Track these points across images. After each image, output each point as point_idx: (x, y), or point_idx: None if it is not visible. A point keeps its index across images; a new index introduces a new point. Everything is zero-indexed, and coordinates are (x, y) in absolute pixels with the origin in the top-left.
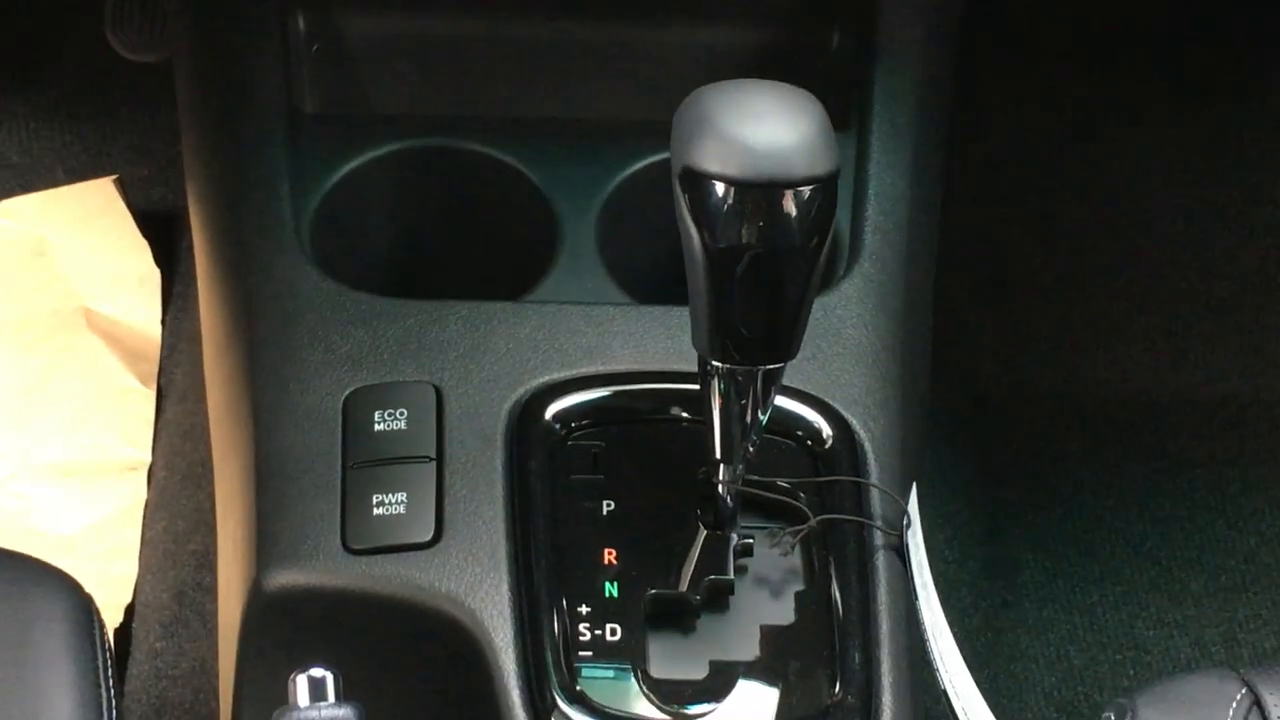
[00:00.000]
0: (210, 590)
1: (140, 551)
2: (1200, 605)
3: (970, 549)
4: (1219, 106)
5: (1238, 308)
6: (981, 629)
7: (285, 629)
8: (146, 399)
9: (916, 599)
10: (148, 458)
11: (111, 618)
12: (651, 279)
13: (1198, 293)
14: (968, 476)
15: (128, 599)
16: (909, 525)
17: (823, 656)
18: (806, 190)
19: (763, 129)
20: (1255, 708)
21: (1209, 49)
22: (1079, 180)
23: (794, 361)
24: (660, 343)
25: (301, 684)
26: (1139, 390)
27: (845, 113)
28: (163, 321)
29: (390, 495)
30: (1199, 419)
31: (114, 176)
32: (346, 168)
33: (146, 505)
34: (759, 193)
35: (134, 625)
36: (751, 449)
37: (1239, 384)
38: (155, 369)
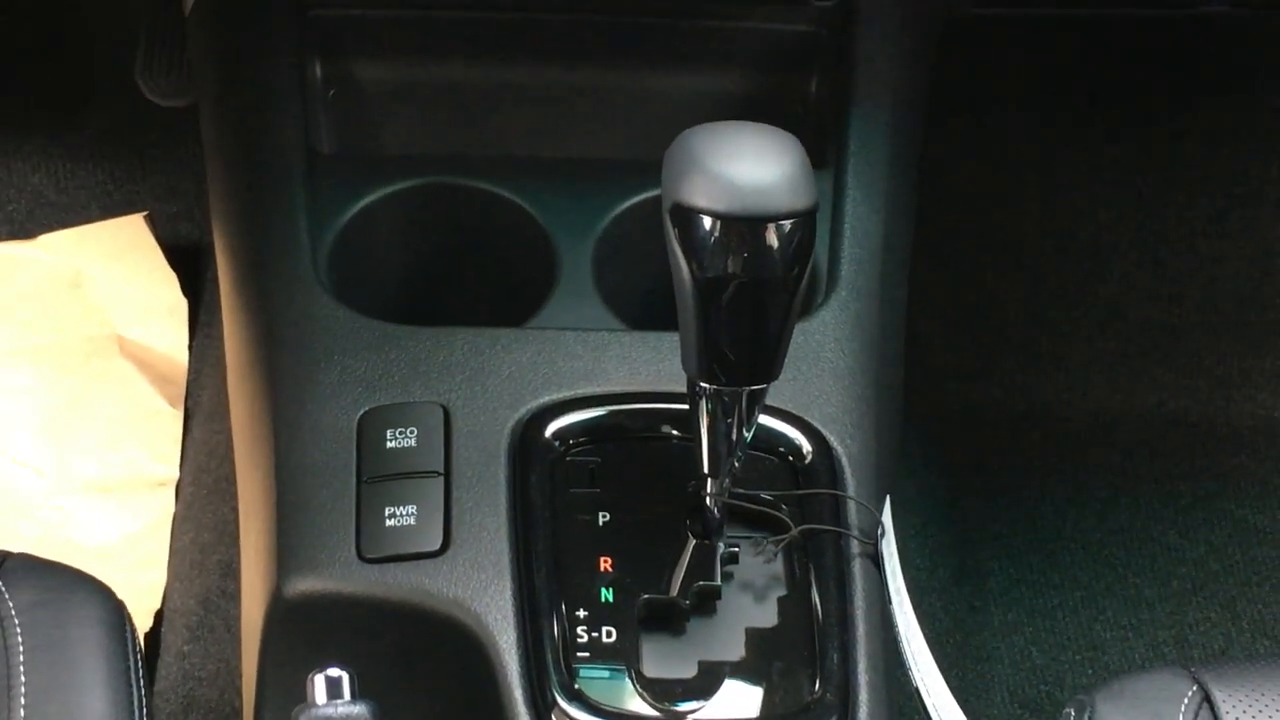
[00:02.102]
0: (234, 597)
1: (169, 561)
2: (1154, 609)
3: (940, 558)
4: (1175, 143)
5: (1188, 333)
6: (951, 631)
7: (304, 632)
8: (175, 419)
9: (891, 603)
10: (176, 474)
11: (142, 623)
12: (644, 306)
13: (1151, 319)
14: (938, 490)
15: (157, 605)
16: (883, 535)
17: (804, 657)
18: (788, 224)
19: (747, 167)
20: (1205, 703)
21: (1165, 84)
22: (1040, 214)
23: (777, 383)
24: (652, 366)
25: (319, 683)
26: (1096, 410)
27: (823, 152)
28: (190, 347)
29: (401, 508)
30: (1152, 436)
31: (144, 213)
32: (361, 204)
33: (175, 518)
34: (744, 226)
35: (163, 630)
36: (737, 464)
37: (1189, 404)
38: (183, 391)
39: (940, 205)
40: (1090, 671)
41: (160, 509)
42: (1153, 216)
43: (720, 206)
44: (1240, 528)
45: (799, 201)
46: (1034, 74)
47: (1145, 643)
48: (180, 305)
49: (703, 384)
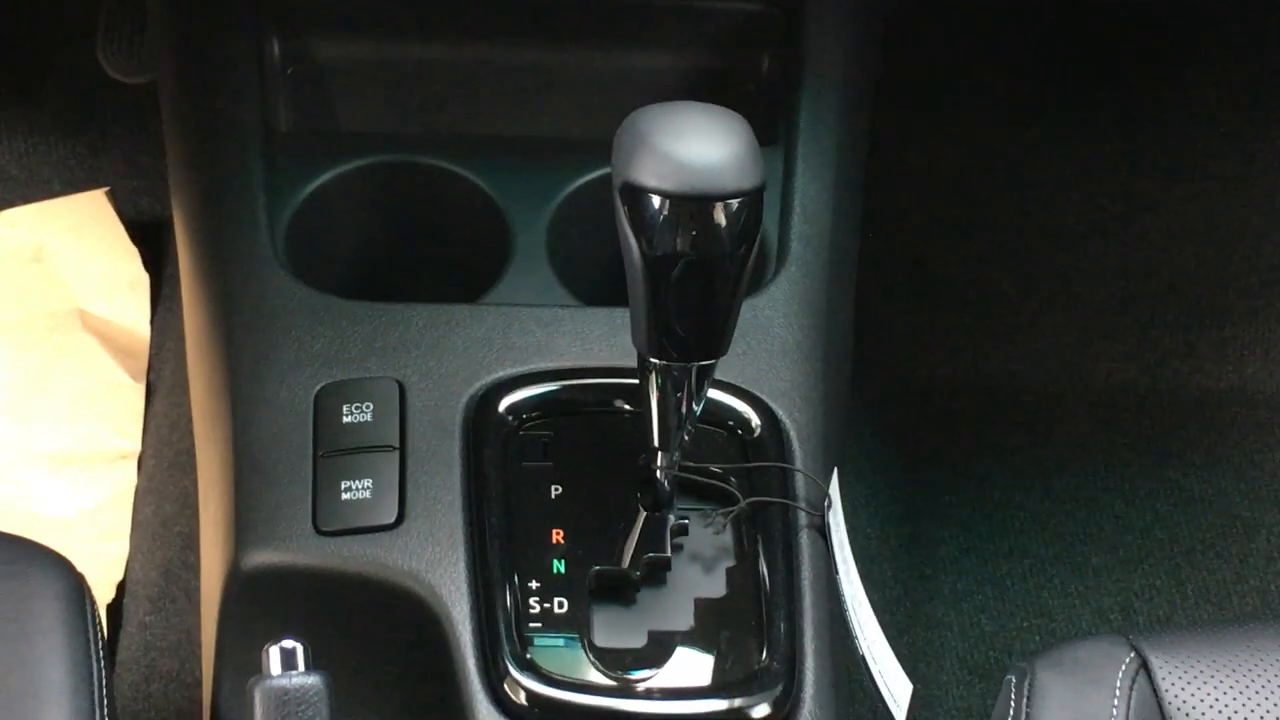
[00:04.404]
0: (195, 568)
1: (131, 533)
2: (1099, 577)
3: (891, 527)
4: (1121, 123)
5: (1134, 305)
6: (901, 599)
7: (261, 604)
8: (136, 393)
9: (837, 573)
10: (138, 447)
11: (104, 594)
12: (596, 283)
13: (1099, 293)
14: (888, 461)
15: (119, 577)
16: (830, 506)
17: (751, 626)
18: (735, 203)
19: (695, 147)
20: (1143, 669)
21: (1114, 66)
22: (991, 192)
23: (726, 357)
24: (604, 341)
25: (274, 654)
26: (1046, 381)
27: (773, 130)
28: (151, 322)
29: (357, 481)
30: (1100, 408)
31: (106, 188)
32: (318, 181)
33: (137, 491)
34: (692, 205)
35: (125, 601)
36: (687, 438)
37: (1136, 376)
38: (145, 365)
39: (893, 183)
40: (1038, 638)
41: (122, 482)
42: (1100, 193)
43: (669, 185)
44: (1185, 497)
45: (746, 181)
46: (983, 57)
47: (1091, 610)
48: (142, 280)
49: (652, 359)
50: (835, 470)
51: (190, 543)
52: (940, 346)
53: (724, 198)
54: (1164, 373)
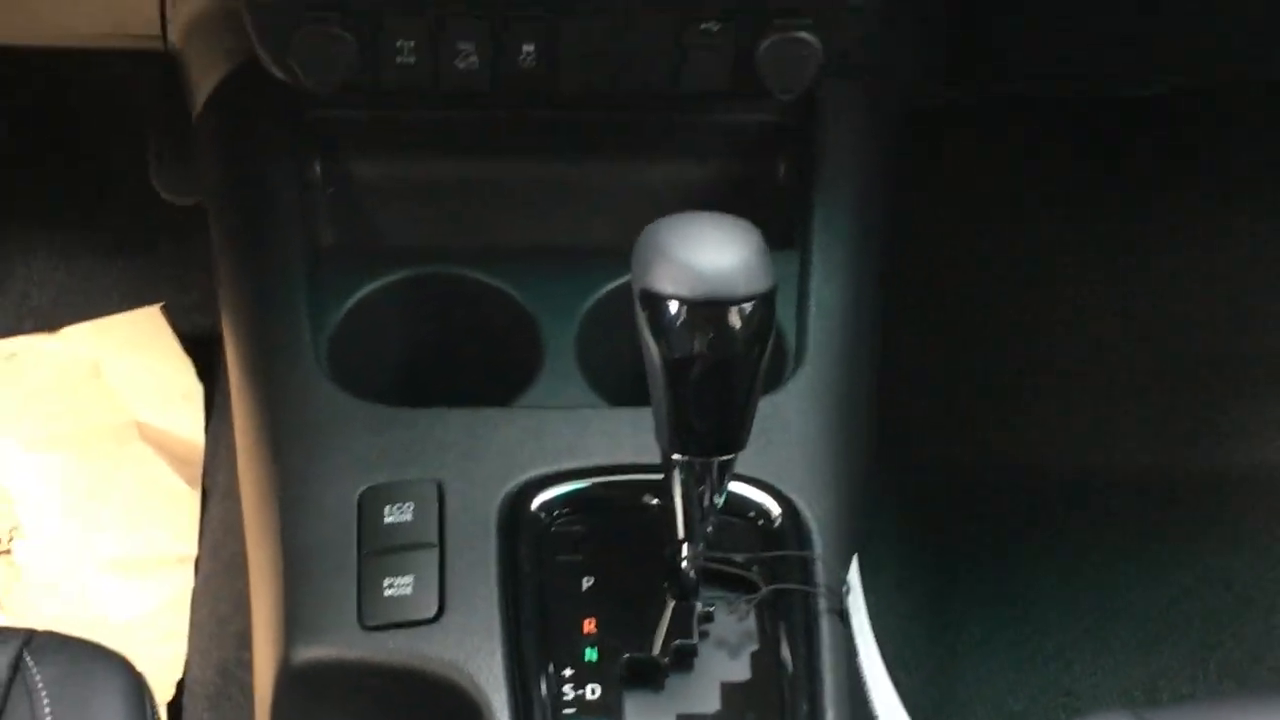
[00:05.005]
0: (250, 666)
1: (189, 634)
2: (1123, 656)
3: (919, 611)
4: (1134, 212)
5: (1154, 387)
6: (931, 681)
7: (311, 696)
8: (192, 499)
9: (858, 656)
10: (194, 551)
11: (165, 694)
12: (623, 384)
13: (1118, 378)
14: (915, 546)
15: (178, 676)
16: (849, 592)
17: (775, 708)
18: (748, 306)
19: (708, 255)
20: None
21: (1128, 153)
22: (1009, 282)
23: (747, 451)
24: (631, 439)
25: None
26: (1067, 465)
27: (790, 234)
28: (205, 430)
29: (399, 578)
30: (1121, 489)
31: (160, 304)
32: (359, 294)
33: (194, 593)
34: (707, 309)
35: (184, 700)
36: (710, 529)
37: (1156, 457)
38: (200, 473)
39: (916, 273)
40: (1063, 717)
41: (180, 584)
42: (1116, 282)
43: (685, 291)
44: (1206, 576)
45: (757, 285)
46: (997, 147)
47: (1116, 689)
48: (196, 391)
49: (675, 456)
50: (855, 557)
51: (245, 642)
52: (963, 433)
53: (737, 301)
54: (1183, 454)
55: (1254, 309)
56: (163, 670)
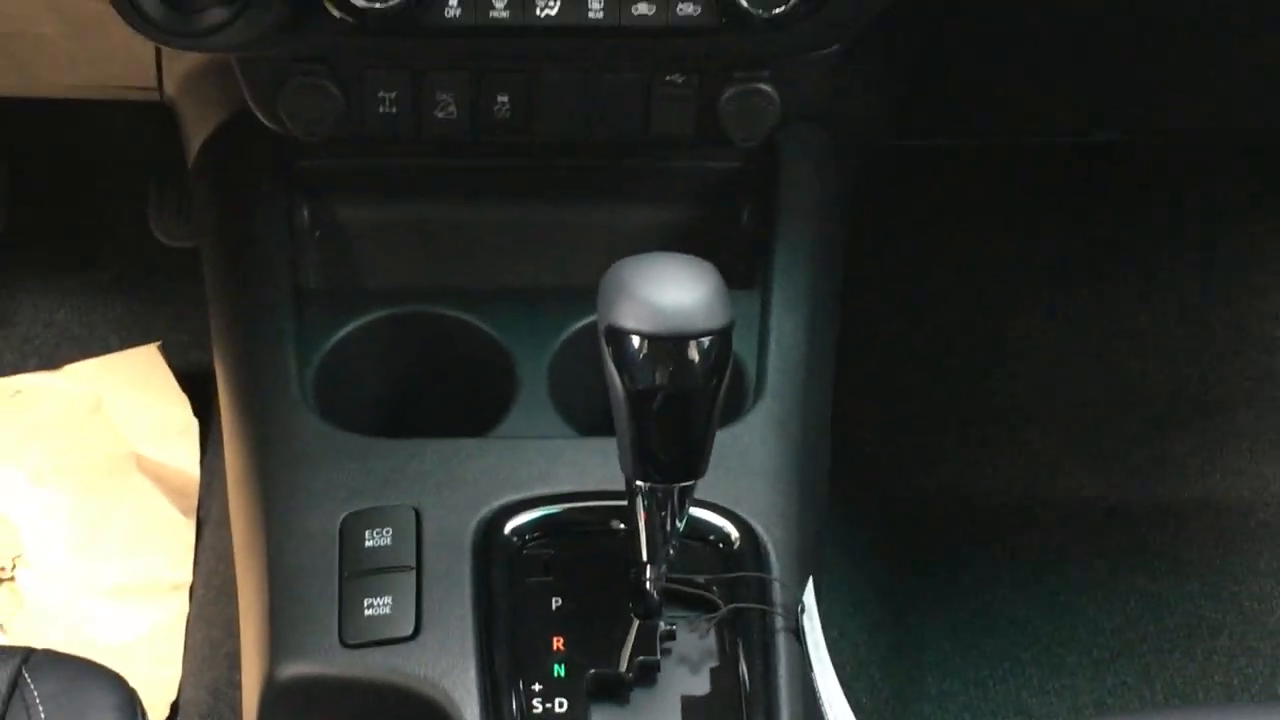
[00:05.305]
0: (240, 686)
1: (184, 657)
2: (1075, 676)
3: (878, 634)
4: (1080, 255)
5: (1102, 422)
6: (890, 700)
7: (295, 711)
8: (188, 529)
9: (813, 672)
10: (189, 578)
11: (160, 714)
12: (592, 416)
13: (1068, 410)
14: (874, 572)
15: (173, 697)
16: (804, 611)
17: None
18: (706, 340)
19: (669, 293)
20: None
21: (1081, 200)
22: (961, 322)
23: (708, 478)
24: (599, 468)
25: None
26: (1019, 495)
27: (752, 274)
28: (201, 463)
29: (378, 599)
30: (1071, 518)
31: (158, 343)
32: (343, 331)
33: (188, 619)
34: (668, 344)
35: (178, 719)
36: (672, 552)
37: (1105, 488)
38: (195, 503)
39: (871, 313)
40: None
41: (175, 610)
42: (1061, 321)
43: (646, 327)
44: (1153, 601)
45: (715, 321)
46: (954, 196)
47: (1068, 707)
48: (191, 425)
49: (638, 482)
50: (810, 579)
51: (236, 664)
52: (919, 464)
53: (695, 336)
54: (1131, 485)
55: (1197, 350)
56: (158, 692)
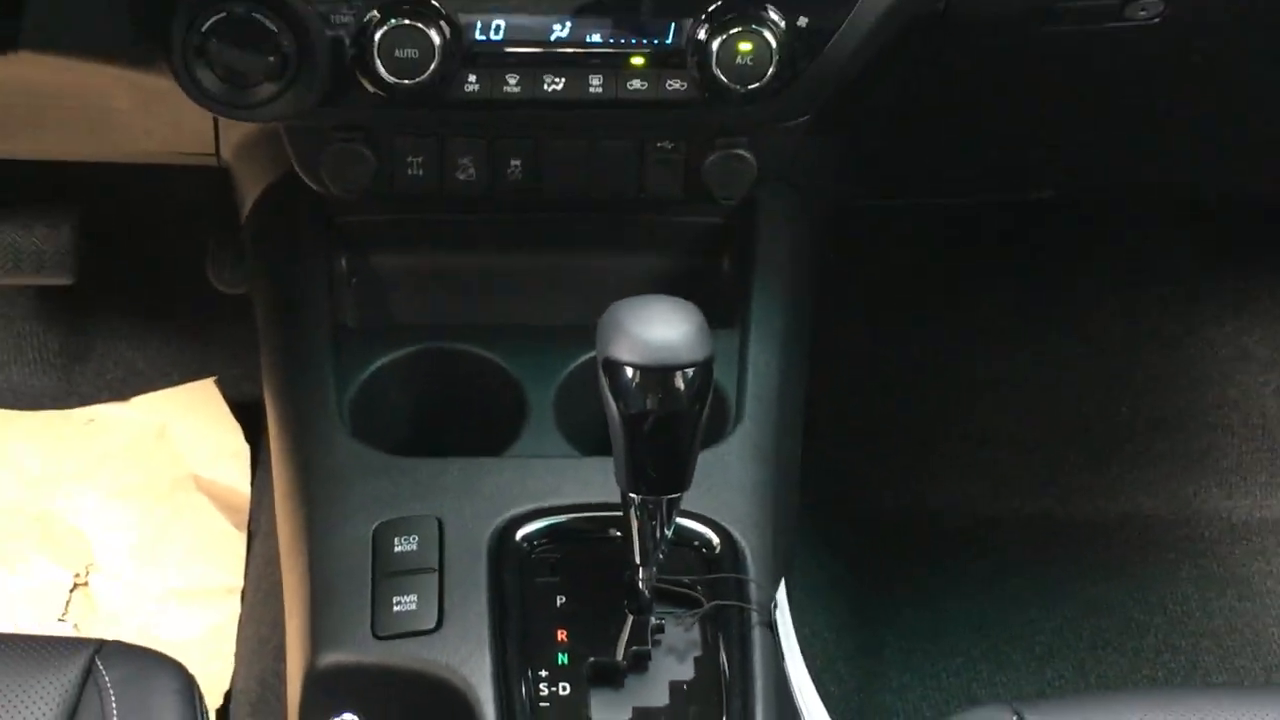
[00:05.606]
0: (284, 677)
1: (236, 651)
2: (1019, 671)
3: (846, 631)
4: (1024, 301)
5: (1047, 447)
6: (854, 692)
7: (333, 695)
8: (239, 540)
9: (784, 661)
10: (240, 583)
11: (215, 701)
12: (593, 438)
13: (1017, 437)
14: (841, 577)
15: (226, 686)
16: (776, 608)
17: (714, 703)
18: (690, 370)
19: (658, 330)
20: None
21: (1030, 254)
22: (921, 355)
23: (693, 492)
24: (598, 483)
25: None
26: (973, 511)
27: (732, 315)
28: (251, 483)
29: (406, 597)
30: (1019, 531)
31: (214, 377)
32: (376, 364)
33: (240, 618)
34: (657, 373)
35: (231, 706)
36: (662, 555)
37: (1049, 504)
38: (246, 518)
39: (844, 349)
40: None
41: (229, 611)
42: (1011, 357)
43: (638, 359)
44: (1089, 604)
45: (698, 354)
46: (917, 247)
47: (1012, 696)
48: (243, 449)
49: (631, 495)
50: (782, 580)
51: (281, 656)
52: (884, 482)
53: (680, 367)
54: (1071, 503)
55: (1127, 385)
56: (213, 682)
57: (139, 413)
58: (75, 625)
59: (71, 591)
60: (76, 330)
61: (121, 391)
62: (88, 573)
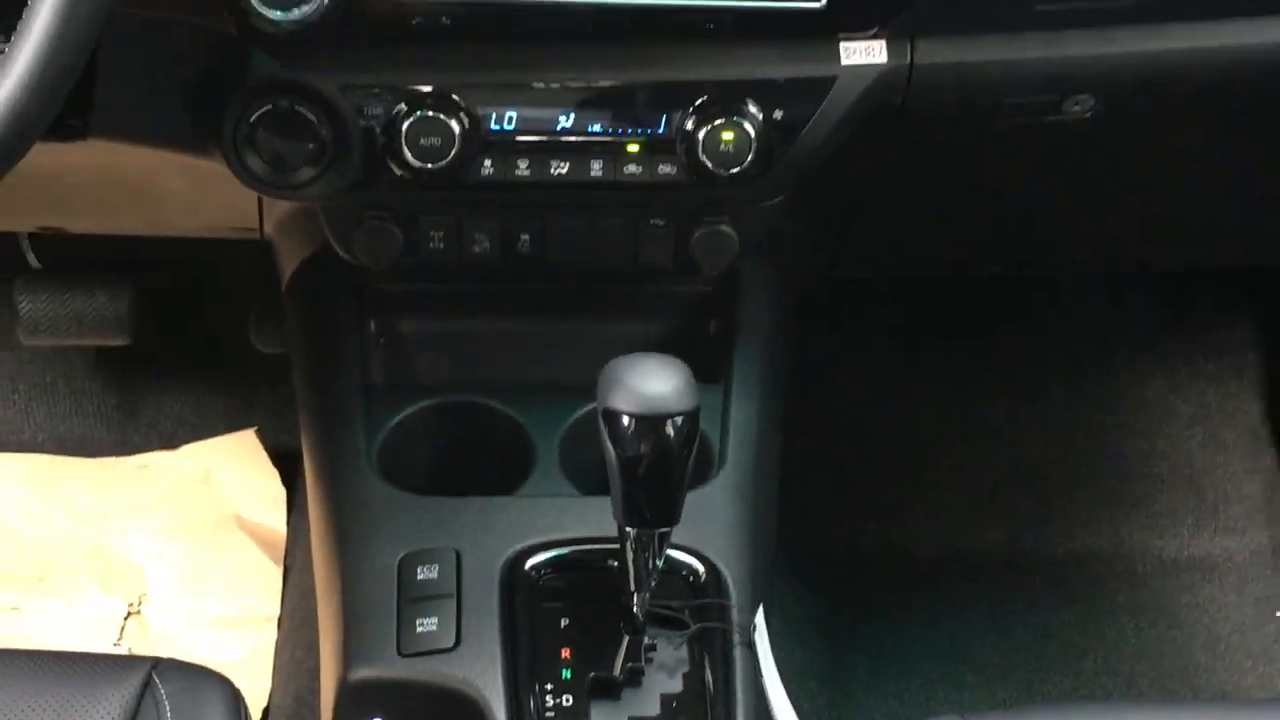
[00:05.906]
0: (318, 694)
1: (273, 673)
2: (974, 692)
3: (817, 655)
4: (981, 366)
5: (1002, 490)
6: (825, 707)
7: (362, 707)
8: (276, 574)
9: (763, 678)
10: (277, 612)
11: (256, 715)
12: (593, 480)
13: (976, 481)
14: (814, 606)
15: (264, 704)
16: (755, 630)
17: (700, 715)
18: (679, 419)
19: (651, 383)
20: None
21: (986, 321)
22: (891, 411)
23: (682, 527)
24: (598, 520)
25: None
26: (938, 546)
27: (717, 372)
28: (288, 524)
29: (428, 619)
30: (977, 566)
31: (255, 428)
32: (401, 415)
33: (277, 643)
34: (650, 421)
35: (269, 719)
36: (654, 583)
37: (1003, 542)
38: (283, 554)
39: (816, 404)
40: None
41: (267, 637)
42: (970, 412)
43: (634, 409)
44: (1038, 631)
45: (685, 404)
46: (888, 315)
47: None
48: (281, 494)
49: (628, 529)
50: (761, 605)
51: (315, 677)
52: (854, 520)
53: (671, 416)
54: (1022, 541)
55: (1071, 435)
56: (252, 700)
57: (187, 460)
58: (130, 649)
59: (125, 619)
60: (131, 386)
61: (171, 441)
62: (140, 602)
